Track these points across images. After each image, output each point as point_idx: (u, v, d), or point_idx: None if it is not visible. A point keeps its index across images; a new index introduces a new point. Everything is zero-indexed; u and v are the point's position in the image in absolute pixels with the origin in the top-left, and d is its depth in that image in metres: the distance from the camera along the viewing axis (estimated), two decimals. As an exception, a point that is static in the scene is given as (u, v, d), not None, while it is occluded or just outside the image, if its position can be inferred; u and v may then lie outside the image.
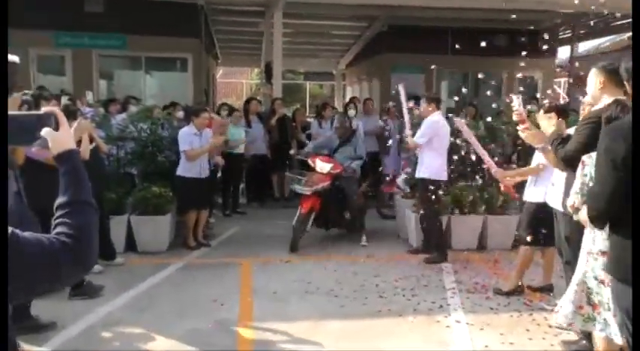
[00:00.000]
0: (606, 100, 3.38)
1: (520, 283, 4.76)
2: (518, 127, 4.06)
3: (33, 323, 3.73)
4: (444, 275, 5.23)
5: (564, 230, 4.00)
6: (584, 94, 4.74)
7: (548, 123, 4.01)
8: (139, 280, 4.88)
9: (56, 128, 1.36)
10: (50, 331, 3.73)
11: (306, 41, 14.85)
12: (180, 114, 7.37)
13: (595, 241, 2.84)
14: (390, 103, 8.95)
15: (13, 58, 3.21)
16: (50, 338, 3.66)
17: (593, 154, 2.83)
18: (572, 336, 3.82)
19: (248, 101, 8.61)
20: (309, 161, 6.34)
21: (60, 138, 1.37)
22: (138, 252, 5.74)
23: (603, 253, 2.81)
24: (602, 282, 2.84)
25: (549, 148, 3.91)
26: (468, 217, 6.11)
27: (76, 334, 3.76)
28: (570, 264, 3.96)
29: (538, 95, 11.72)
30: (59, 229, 1.29)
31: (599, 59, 14.00)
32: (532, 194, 4.52)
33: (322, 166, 6.16)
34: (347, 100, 17.16)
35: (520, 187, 4.88)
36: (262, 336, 3.80)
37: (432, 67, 9.99)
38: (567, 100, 14.00)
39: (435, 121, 5.63)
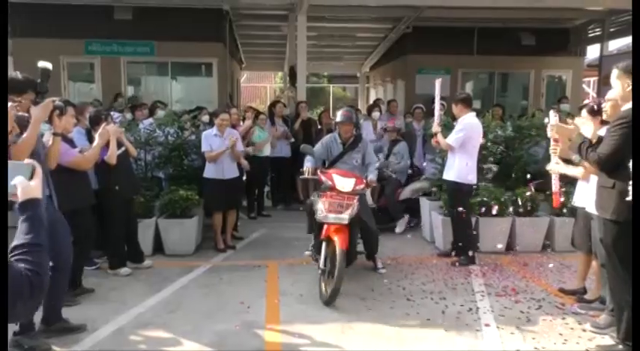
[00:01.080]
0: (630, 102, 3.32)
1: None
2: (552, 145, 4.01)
3: (63, 326, 3.80)
4: (472, 278, 5.14)
5: (599, 233, 3.90)
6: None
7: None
8: (167, 283, 4.94)
9: (30, 178, 1.56)
10: (81, 333, 3.80)
11: (329, 44, 14.84)
12: (206, 118, 7.45)
13: None
14: (416, 105, 8.88)
15: (46, 64, 3.30)
16: (81, 340, 3.72)
17: None
18: (608, 340, 3.72)
19: (273, 104, 8.65)
20: (322, 178, 4.77)
21: (29, 188, 1.56)
22: (166, 254, 5.82)
23: None
24: None
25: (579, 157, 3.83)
26: (495, 219, 6.00)
27: (106, 336, 3.81)
28: (605, 267, 3.87)
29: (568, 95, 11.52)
30: (20, 265, 1.44)
31: (626, 58, 13.60)
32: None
33: (343, 183, 4.69)
34: (370, 102, 17.22)
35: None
36: (289, 339, 3.79)
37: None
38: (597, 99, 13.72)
39: (469, 122, 5.52)
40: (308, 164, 4.99)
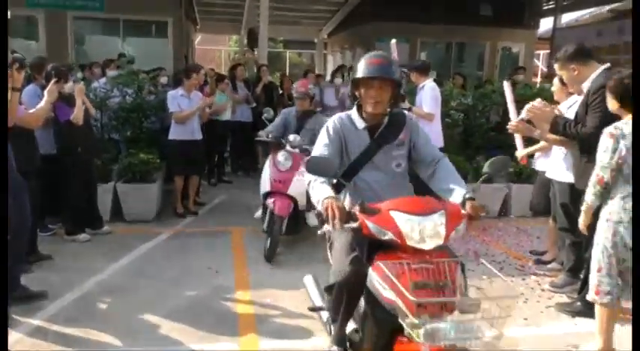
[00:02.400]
0: (592, 74, 3.41)
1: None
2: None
3: (23, 293, 3.61)
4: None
5: (560, 198, 4.06)
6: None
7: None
8: (129, 249, 4.79)
9: None
10: (43, 301, 3.64)
11: (288, 7, 14.50)
12: (165, 79, 7.16)
13: (626, 210, 2.86)
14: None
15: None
16: (44, 307, 3.56)
17: (624, 127, 2.83)
18: (565, 299, 3.91)
19: (234, 67, 8.39)
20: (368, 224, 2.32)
21: None
22: (125, 220, 5.63)
23: (633, 219, 2.85)
24: (628, 247, 2.88)
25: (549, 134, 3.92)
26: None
27: (70, 303, 3.67)
28: (565, 230, 4.05)
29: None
30: None
31: (580, 31, 14.01)
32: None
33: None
34: (327, 69, 17.07)
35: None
36: (261, 302, 3.77)
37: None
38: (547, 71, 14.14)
39: (433, 87, 5.57)
40: (268, 133, 5.08)
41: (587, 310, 3.47)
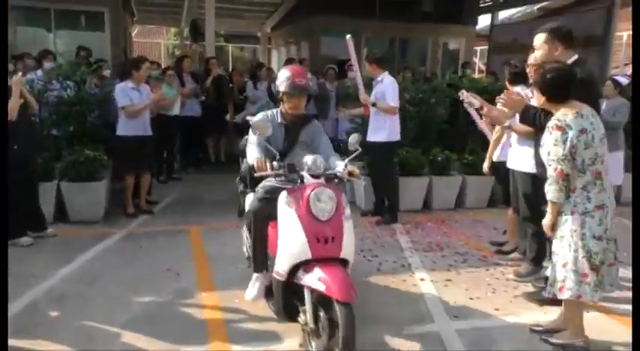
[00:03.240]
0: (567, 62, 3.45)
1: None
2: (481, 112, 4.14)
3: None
4: (398, 236, 5.26)
5: (522, 188, 4.13)
6: (504, 60, 4.91)
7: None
8: (78, 252, 4.45)
9: None
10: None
11: (231, 0, 14.13)
12: (107, 72, 6.74)
13: (590, 199, 2.85)
14: (329, 66, 8.78)
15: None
16: (-13, 319, 3.21)
17: (566, 118, 2.83)
18: (531, 287, 3.99)
19: (180, 60, 8.04)
20: None
21: None
22: (70, 222, 5.24)
23: (599, 207, 2.86)
24: (599, 238, 2.86)
25: (516, 123, 3.97)
26: (414, 178, 6.17)
27: (19, 312, 3.34)
28: (528, 220, 4.12)
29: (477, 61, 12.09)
30: None
31: (515, 28, 14.53)
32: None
33: None
34: (273, 63, 16.82)
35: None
36: (229, 304, 3.58)
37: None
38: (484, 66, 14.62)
39: (393, 80, 5.55)
40: (247, 116, 4.10)
41: (555, 299, 3.54)
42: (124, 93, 5.24)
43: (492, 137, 4.73)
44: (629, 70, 11.25)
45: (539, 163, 3.62)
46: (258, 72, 8.33)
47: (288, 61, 8.86)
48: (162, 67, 8.32)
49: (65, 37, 10.66)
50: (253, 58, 24.13)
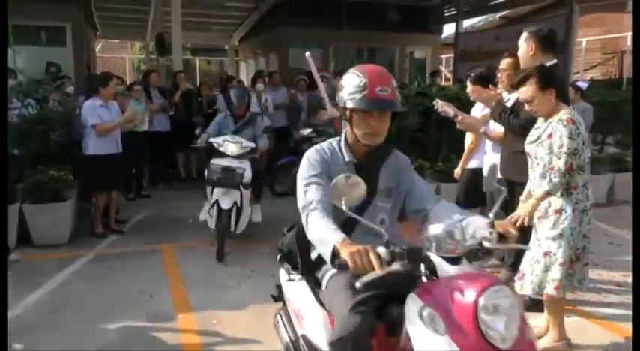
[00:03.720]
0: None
1: None
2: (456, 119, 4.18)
3: None
4: (376, 246, 5.20)
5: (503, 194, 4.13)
6: (470, 68, 5.03)
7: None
8: (44, 278, 4.24)
9: None
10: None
11: (198, 14, 14.00)
12: (71, 88, 6.53)
13: (588, 197, 2.91)
14: (299, 77, 8.73)
15: None
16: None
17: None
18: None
19: (147, 74, 7.87)
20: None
21: None
22: (35, 245, 5.01)
23: (592, 206, 2.94)
24: (584, 236, 2.94)
25: (490, 129, 4.03)
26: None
27: (-20, 348, 3.12)
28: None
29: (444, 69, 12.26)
30: None
31: (481, 36, 14.85)
32: (470, 161, 4.70)
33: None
34: (241, 75, 16.72)
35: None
36: (207, 327, 3.45)
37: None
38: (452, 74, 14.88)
39: None
40: (206, 138, 5.19)
41: (535, 305, 3.54)
42: (93, 111, 5.07)
43: (467, 147, 4.73)
44: (588, 75, 11.60)
45: (506, 165, 3.67)
46: (229, 84, 8.22)
47: (258, 74, 8.78)
48: (128, 82, 8.13)
49: (25, 52, 10.31)
50: (221, 71, 23.99)
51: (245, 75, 16.67)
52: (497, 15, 18.23)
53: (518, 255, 4.11)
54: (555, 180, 2.82)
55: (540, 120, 3.00)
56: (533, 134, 3.01)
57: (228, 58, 18.91)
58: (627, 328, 3.40)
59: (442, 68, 20.37)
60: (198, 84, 9.16)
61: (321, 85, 5.74)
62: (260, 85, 8.03)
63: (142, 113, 6.63)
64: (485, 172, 4.37)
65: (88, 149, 5.18)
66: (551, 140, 2.86)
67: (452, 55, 16.64)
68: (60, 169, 5.13)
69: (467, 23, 17.34)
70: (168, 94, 7.75)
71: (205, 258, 4.74)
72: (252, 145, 5.06)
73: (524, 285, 3.03)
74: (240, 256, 4.79)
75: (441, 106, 4.36)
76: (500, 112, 3.51)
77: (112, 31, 17.18)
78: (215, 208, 4.77)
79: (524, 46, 3.51)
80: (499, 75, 4.17)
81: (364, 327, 1.77)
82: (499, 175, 4.01)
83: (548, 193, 2.86)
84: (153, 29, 14.27)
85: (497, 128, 4.07)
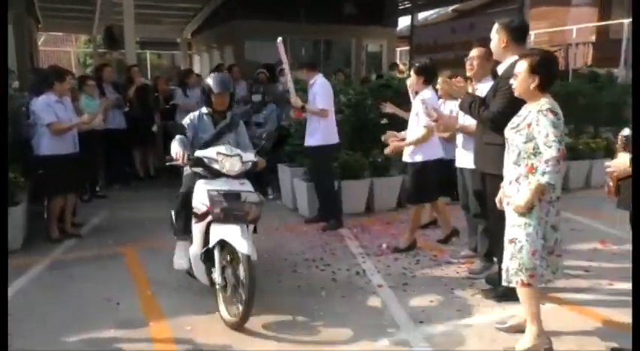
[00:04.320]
0: (510, 58, 3.50)
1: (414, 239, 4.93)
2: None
3: None
4: (347, 241, 5.15)
5: (474, 185, 4.14)
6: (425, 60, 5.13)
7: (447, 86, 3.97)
8: (-3, 288, 3.92)
9: None
10: None
11: (148, 5, 13.48)
12: (17, 84, 6.11)
13: (555, 188, 2.86)
14: (259, 70, 8.54)
15: None
16: None
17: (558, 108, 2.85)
18: (485, 284, 4.00)
19: (100, 68, 7.49)
20: None
21: None
22: (-17, 254, 4.65)
23: (558, 197, 2.91)
24: (553, 227, 2.91)
25: (466, 124, 4.02)
26: (355, 181, 6.10)
27: None
28: (479, 216, 4.15)
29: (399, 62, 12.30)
30: None
31: (436, 29, 15.06)
32: (416, 155, 4.68)
33: None
34: (196, 70, 16.27)
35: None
36: (181, 334, 3.27)
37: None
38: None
39: (324, 82, 5.49)
40: (178, 148, 3.61)
41: (511, 294, 3.56)
42: (48, 107, 4.74)
43: (421, 134, 4.66)
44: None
45: (479, 156, 3.68)
46: (187, 79, 7.93)
47: (217, 68, 8.53)
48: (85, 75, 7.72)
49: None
50: (173, 65, 23.30)
51: (199, 69, 16.25)
52: (450, 8, 18.56)
53: (492, 245, 4.18)
54: (552, 169, 2.75)
55: (523, 108, 2.98)
56: (514, 121, 2.99)
57: (181, 52, 18.36)
58: (603, 312, 3.49)
59: (397, 61, 20.60)
60: (153, 78, 8.79)
61: (288, 72, 5.66)
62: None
63: (98, 110, 6.28)
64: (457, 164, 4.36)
65: (40, 149, 4.85)
66: (529, 129, 2.84)
67: (406, 48, 16.86)
68: (10, 170, 4.77)
69: (420, 16, 17.57)
70: (123, 89, 7.40)
71: (171, 260, 4.51)
72: (252, 158, 3.72)
73: (509, 277, 3.00)
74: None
75: (424, 108, 4.33)
76: (471, 103, 3.49)
77: (55, 23, 16.35)
78: (218, 255, 3.41)
79: (496, 37, 3.50)
80: (468, 63, 4.15)
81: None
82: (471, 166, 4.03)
83: (550, 184, 2.79)
84: (100, 21, 13.66)
85: (467, 121, 4.08)
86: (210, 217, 3.43)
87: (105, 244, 5.03)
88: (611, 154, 3.48)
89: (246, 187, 3.58)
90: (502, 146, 3.20)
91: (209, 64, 15.20)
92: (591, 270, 4.29)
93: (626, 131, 2.86)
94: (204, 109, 3.94)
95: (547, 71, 2.87)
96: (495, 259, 3.95)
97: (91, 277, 4.20)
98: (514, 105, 3.14)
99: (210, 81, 3.86)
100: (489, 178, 3.60)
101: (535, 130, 2.81)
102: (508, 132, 3.01)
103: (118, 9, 10.73)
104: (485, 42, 3.78)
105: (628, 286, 3.77)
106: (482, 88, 4.01)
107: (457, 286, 4.00)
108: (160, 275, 4.21)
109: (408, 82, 4.98)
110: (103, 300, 3.74)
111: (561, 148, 2.76)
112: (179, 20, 16.32)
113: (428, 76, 4.67)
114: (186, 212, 3.73)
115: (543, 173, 2.76)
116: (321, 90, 5.42)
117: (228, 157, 3.56)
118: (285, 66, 5.70)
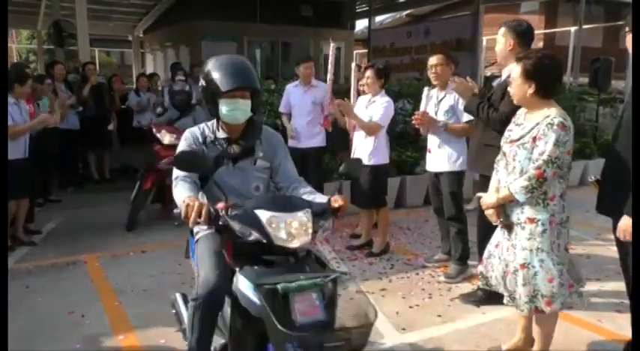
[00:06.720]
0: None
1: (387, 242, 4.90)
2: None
3: None
4: (319, 246, 5.04)
5: (448, 188, 4.14)
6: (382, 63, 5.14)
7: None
8: (-56, 304, 3.58)
9: None
10: None
11: (97, 0, 12.92)
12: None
13: (565, 208, 2.63)
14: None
15: None
16: None
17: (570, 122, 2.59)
18: (461, 288, 4.00)
19: (51, 65, 7.07)
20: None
21: None
22: None
23: (568, 217, 2.67)
24: (565, 250, 2.70)
25: (449, 123, 4.00)
26: (326, 184, 6.02)
27: None
28: (453, 219, 4.16)
29: (359, 63, 12.34)
30: None
31: (393, 33, 15.16)
32: (374, 158, 4.61)
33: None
34: (149, 68, 15.78)
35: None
36: (154, 347, 3.09)
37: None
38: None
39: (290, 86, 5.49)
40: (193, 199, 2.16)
41: (489, 298, 3.57)
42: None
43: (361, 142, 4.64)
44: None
45: (474, 157, 3.65)
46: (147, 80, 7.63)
47: (174, 66, 8.25)
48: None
49: None
50: (122, 63, 22.52)
51: (153, 68, 15.76)
52: (404, 13, 18.84)
53: (465, 248, 4.20)
54: (520, 183, 2.57)
55: (522, 116, 2.73)
56: (513, 131, 2.72)
57: (132, 50, 17.72)
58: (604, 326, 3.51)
59: (353, 66, 20.74)
60: (107, 77, 8.40)
61: (329, 88, 5.40)
62: (181, 77, 7.53)
63: (49, 110, 5.90)
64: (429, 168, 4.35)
65: (-4, 152, 4.49)
66: (534, 144, 2.56)
67: (363, 51, 16.96)
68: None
69: (377, 19, 17.75)
70: (76, 88, 7.02)
71: (137, 267, 4.30)
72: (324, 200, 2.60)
73: (519, 304, 2.74)
74: (184, 265, 4.39)
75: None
76: (478, 106, 3.42)
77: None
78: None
79: (503, 40, 3.41)
80: (432, 72, 4.13)
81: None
82: (455, 168, 4.05)
83: (514, 194, 2.59)
84: (46, 16, 12.98)
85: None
86: None
87: (62, 252, 4.71)
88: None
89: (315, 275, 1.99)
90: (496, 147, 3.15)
91: (163, 63, 14.75)
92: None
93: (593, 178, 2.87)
94: (208, 128, 2.43)
95: (544, 75, 2.57)
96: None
97: (50, 287, 3.92)
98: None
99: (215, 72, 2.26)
100: (486, 180, 3.58)
101: (539, 140, 2.55)
102: (507, 145, 2.72)
103: (66, 4, 10.24)
104: (440, 48, 3.77)
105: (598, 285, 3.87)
106: (447, 98, 4.06)
107: (434, 292, 3.98)
108: (126, 284, 3.98)
109: (367, 82, 4.66)
110: (66, 313, 3.48)
111: (543, 169, 2.49)
112: (130, 17, 15.75)
113: (385, 79, 4.65)
114: (211, 322, 2.20)
115: (519, 187, 2.57)
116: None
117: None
118: (329, 75, 5.47)
